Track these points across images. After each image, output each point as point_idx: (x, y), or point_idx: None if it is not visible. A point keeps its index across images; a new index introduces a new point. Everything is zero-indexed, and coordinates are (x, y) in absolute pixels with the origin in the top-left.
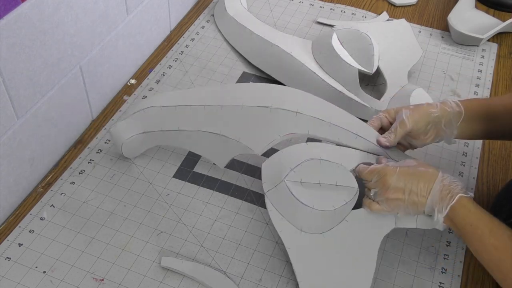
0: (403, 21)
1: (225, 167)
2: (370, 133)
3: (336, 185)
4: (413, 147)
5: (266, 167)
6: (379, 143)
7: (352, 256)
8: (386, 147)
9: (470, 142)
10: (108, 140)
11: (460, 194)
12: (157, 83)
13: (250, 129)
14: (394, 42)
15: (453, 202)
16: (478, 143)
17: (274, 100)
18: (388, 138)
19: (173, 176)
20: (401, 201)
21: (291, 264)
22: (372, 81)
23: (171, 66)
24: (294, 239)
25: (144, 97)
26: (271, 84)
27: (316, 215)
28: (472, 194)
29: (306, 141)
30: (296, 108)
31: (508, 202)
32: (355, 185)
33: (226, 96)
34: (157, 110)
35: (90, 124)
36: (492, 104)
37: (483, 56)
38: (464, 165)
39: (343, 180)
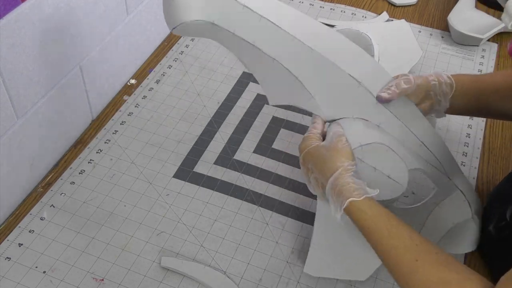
0: (403, 21)
1: (225, 167)
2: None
3: (388, 177)
4: None
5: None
6: (379, 98)
7: (364, 247)
8: (386, 101)
9: (470, 142)
10: (108, 140)
11: (350, 199)
12: (157, 83)
13: (329, 91)
14: (394, 43)
15: (344, 206)
16: (478, 143)
17: (365, 76)
18: (389, 92)
19: (173, 176)
20: (308, 182)
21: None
22: None
23: (171, 66)
24: (322, 218)
25: (144, 97)
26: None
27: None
28: (375, 192)
29: None
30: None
31: (500, 204)
32: (405, 185)
33: (323, 40)
34: (239, 7)
35: (90, 124)
36: (482, 81)
37: (483, 56)
38: (464, 165)
39: (396, 176)
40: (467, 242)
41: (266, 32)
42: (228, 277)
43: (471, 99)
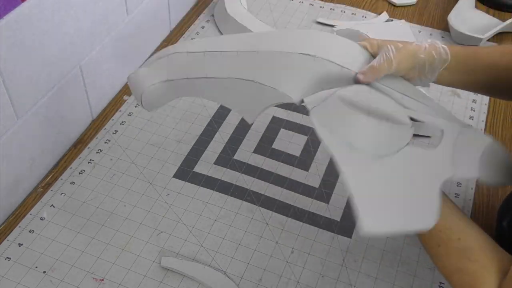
0: (403, 22)
1: (225, 167)
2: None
3: (387, 118)
4: None
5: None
6: (357, 79)
7: (410, 192)
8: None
9: None
10: (108, 140)
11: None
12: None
13: (289, 76)
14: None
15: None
16: None
17: (319, 49)
18: (366, 75)
19: (173, 176)
20: None
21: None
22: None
23: None
24: (348, 158)
25: None
26: (312, 31)
27: (371, 129)
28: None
29: None
30: (343, 61)
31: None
32: (408, 121)
33: (261, 42)
34: (183, 56)
35: (90, 124)
36: (478, 57)
37: None
38: None
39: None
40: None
41: (213, 61)
42: (228, 277)
43: (461, 75)
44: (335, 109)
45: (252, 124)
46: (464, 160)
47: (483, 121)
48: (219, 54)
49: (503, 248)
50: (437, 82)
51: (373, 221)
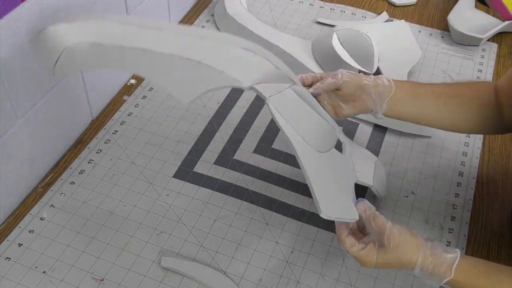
0: (402, 22)
1: (225, 167)
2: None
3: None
4: (341, 113)
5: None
6: (303, 82)
7: (340, 186)
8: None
9: (470, 142)
10: (108, 140)
11: (444, 281)
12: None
13: (236, 63)
14: (393, 43)
15: (447, 279)
16: (478, 143)
17: (258, 50)
18: (316, 86)
19: (173, 176)
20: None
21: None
22: None
23: None
24: (302, 146)
25: (144, 97)
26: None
27: (317, 123)
28: (457, 254)
29: None
30: (277, 63)
31: None
32: (337, 126)
33: (204, 34)
34: (117, 24)
35: (90, 124)
36: (421, 88)
37: (483, 56)
38: (464, 165)
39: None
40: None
41: (154, 35)
42: (228, 277)
43: (408, 106)
44: (291, 101)
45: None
46: (362, 169)
47: None
48: (159, 31)
49: None
50: (388, 113)
51: (327, 206)
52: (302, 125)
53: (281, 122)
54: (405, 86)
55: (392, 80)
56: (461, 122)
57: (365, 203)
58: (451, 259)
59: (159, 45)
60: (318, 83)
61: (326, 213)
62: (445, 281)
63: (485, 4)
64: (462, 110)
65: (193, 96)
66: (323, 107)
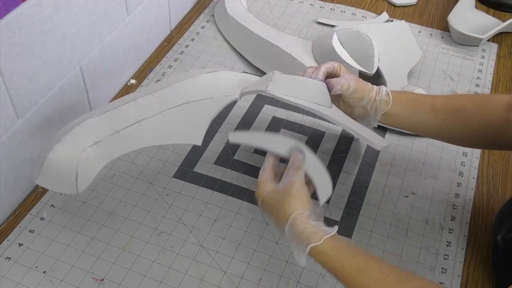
0: (403, 22)
1: (225, 167)
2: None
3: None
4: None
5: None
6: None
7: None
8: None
9: None
10: None
11: (310, 245)
12: (157, 83)
13: (213, 82)
14: (394, 44)
15: (307, 252)
16: None
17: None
18: (337, 85)
19: (173, 176)
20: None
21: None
22: (372, 82)
23: (171, 66)
24: (320, 107)
25: None
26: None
27: (313, 85)
28: (333, 229)
29: None
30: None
31: (510, 217)
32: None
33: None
34: (97, 118)
35: None
36: (420, 103)
37: (483, 56)
38: (464, 165)
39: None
40: None
41: (137, 106)
42: (228, 277)
43: (405, 120)
44: (284, 80)
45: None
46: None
47: None
48: (138, 101)
49: (499, 263)
50: (384, 122)
51: (375, 140)
52: (306, 94)
53: (293, 100)
54: (403, 100)
55: (392, 92)
56: (460, 137)
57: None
58: (325, 230)
59: (147, 111)
60: (336, 85)
61: (380, 145)
62: (311, 245)
63: (485, 4)
64: (462, 126)
65: (203, 133)
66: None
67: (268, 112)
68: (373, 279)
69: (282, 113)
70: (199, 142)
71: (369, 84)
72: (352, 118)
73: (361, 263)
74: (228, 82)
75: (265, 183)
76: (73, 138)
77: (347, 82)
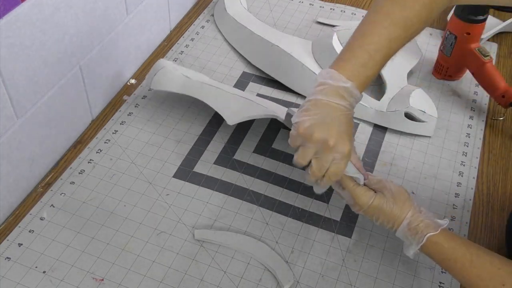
0: None
1: (225, 167)
2: None
3: None
4: None
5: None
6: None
7: None
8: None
9: (470, 142)
10: (108, 140)
11: (428, 235)
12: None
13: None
14: None
15: (422, 242)
16: (478, 143)
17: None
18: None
19: (173, 176)
20: (371, 217)
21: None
22: (372, 82)
23: None
24: None
25: (144, 97)
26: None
27: None
28: (446, 222)
29: None
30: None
31: None
32: None
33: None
34: (203, 75)
35: (90, 124)
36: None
37: None
38: (464, 165)
39: None
40: None
41: (224, 86)
42: (228, 277)
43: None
44: None
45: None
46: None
47: (483, 120)
48: (220, 83)
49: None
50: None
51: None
52: None
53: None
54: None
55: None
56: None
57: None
58: (439, 223)
59: (226, 88)
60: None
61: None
62: (428, 235)
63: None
64: None
65: (238, 119)
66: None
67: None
68: (485, 270)
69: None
70: (230, 123)
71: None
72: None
73: (473, 254)
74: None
75: (367, 193)
76: (178, 65)
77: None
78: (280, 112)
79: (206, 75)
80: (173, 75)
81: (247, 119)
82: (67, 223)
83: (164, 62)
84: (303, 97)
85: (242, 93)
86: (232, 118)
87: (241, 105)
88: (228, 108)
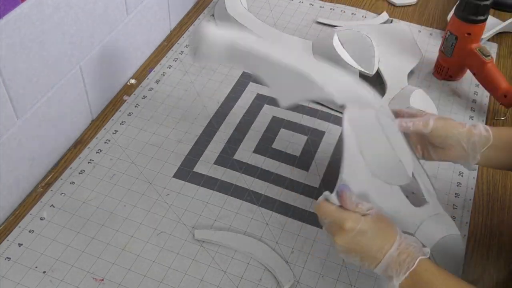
0: (403, 23)
1: (225, 167)
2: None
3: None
4: (429, 157)
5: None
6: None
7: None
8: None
9: None
10: (108, 140)
11: (420, 257)
12: (157, 83)
13: (336, 84)
14: (394, 45)
15: (414, 266)
16: None
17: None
18: (404, 124)
19: (173, 176)
20: (353, 252)
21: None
22: (372, 83)
23: (171, 66)
24: (352, 157)
25: (144, 97)
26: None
27: (385, 158)
28: (428, 251)
29: None
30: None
31: None
32: (410, 174)
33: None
34: (250, 35)
35: (90, 124)
36: None
37: None
38: None
39: (405, 162)
40: (455, 257)
41: (276, 49)
42: (228, 277)
43: (505, 158)
44: (367, 119)
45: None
46: (425, 233)
47: (483, 120)
48: (279, 47)
49: None
50: (484, 163)
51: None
52: (366, 146)
53: (346, 131)
54: (504, 135)
55: (490, 128)
56: None
57: (346, 189)
58: (423, 250)
59: (279, 55)
60: (407, 122)
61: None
62: (420, 258)
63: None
64: None
65: (292, 101)
66: (410, 146)
67: (268, 112)
68: None
69: (282, 113)
70: (283, 103)
71: (460, 122)
72: (449, 161)
73: (462, 286)
74: (355, 93)
75: (353, 214)
76: (225, 28)
77: (422, 121)
78: (336, 92)
79: (253, 36)
80: (217, 46)
81: (301, 102)
82: (67, 223)
83: (205, 29)
84: None
85: (296, 59)
86: (285, 100)
87: (294, 82)
88: (280, 87)
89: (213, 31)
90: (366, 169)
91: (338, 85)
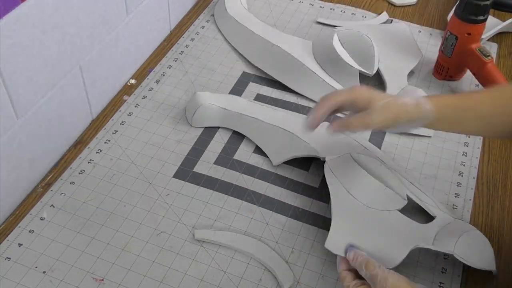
0: (403, 24)
1: (225, 167)
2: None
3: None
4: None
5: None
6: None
7: (384, 244)
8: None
9: (470, 142)
10: (108, 140)
11: None
12: (157, 83)
13: (320, 137)
14: (394, 45)
15: None
16: (478, 143)
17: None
18: (335, 128)
19: (173, 176)
20: None
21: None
22: (372, 83)
23: (171, 66)
24: (341, 198)
25: (144, 97)
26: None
27: (373, 189)
28: None
29: None
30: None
31: None
32: (405, 196)
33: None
34: (241, 99)
35: (90, 124)
36: (467, 109)
37: None
38: (464, 165)
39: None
40: (483, 250)
41: (262, 110)
42: (228, 277)
43: (452, 125)
44: (346, 162)
45: (276, 165)
46: (441, 241)
47: None
48: (269, 110)
49: None
50: (426, 127)
51: (336, 245)
52: (352, 185)
53: (328, 180)
54: (449, 111)
55: (435, 100)
56: (508, 135)
57: (355, 251)
58: None
59: (265, 117)
60: (342, 121)
61: (330, 247)
62: None
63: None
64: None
65: (282, 159)
66: (396, 174)
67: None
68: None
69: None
70: (274, 162)
71: (399, 102)
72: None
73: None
74: (335, 144)
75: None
76: (216, 96)
77: (359, 123)
78: (321, 148)
79: (243, 98)
80: (211, 111)
81: (291, 158)
82: (67, 223)
83: (200, 97)
84: (303, 97)
85: (282, 119)
86: (276, 158)
87: (282, 141)
88: (270, 146)
89: (208, 100)
90: (358, 204)
91: (321, 139)
